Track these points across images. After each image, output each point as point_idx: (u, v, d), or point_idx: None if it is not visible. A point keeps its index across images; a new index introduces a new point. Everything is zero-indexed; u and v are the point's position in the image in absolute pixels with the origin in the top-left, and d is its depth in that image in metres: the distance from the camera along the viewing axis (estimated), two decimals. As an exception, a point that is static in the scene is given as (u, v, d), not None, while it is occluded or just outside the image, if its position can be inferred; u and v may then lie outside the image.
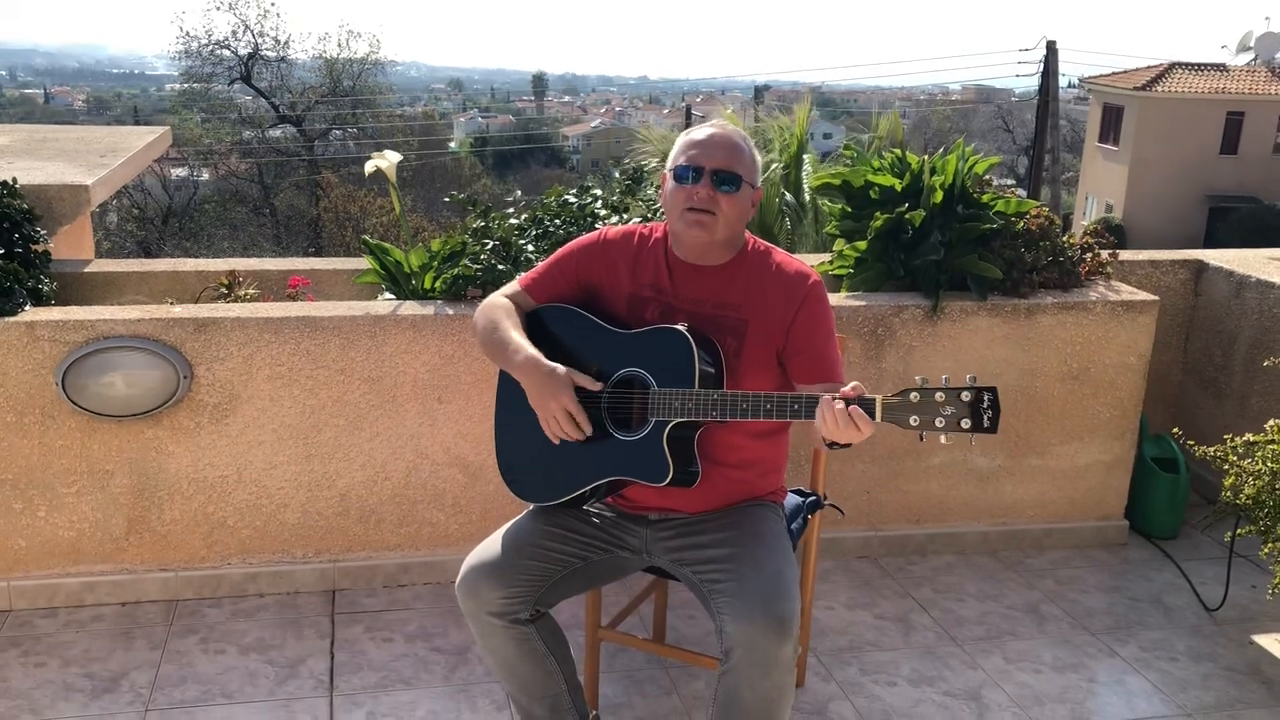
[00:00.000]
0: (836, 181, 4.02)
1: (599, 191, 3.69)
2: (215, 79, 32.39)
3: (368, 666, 3.10)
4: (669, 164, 2.46)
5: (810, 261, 4.14)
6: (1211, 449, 3.21)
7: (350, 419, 3.39)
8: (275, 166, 31.13)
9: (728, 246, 2.48)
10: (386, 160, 3.64)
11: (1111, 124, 34.88)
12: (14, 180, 3.51)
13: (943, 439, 2.12)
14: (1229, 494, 3.17)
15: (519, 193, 3.83)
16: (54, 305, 3.32)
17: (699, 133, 2.45)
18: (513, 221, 3.61)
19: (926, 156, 3.87)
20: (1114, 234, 4.16)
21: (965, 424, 2.10)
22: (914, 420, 2.12)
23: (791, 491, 2.88)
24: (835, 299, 3.70)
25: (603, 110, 77.97)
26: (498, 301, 2.58)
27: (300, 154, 31.53)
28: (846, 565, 3.77)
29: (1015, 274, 3.74)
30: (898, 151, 3.96)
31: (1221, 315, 4.27)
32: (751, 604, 2.25)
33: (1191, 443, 3.29)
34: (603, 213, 3.57)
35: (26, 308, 3.21)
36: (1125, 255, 4.34)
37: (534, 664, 2.51)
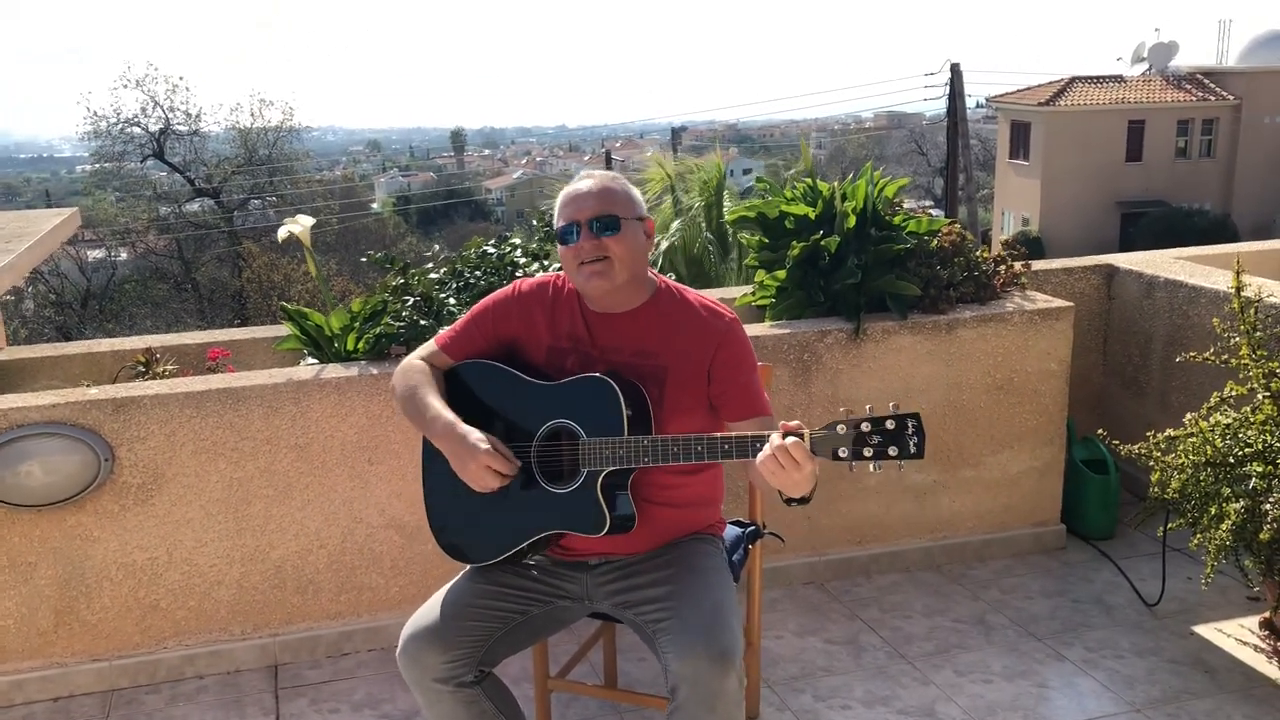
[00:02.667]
0: (752, 214, 4.07)
1: (518, 241, 3.70)
2: (127, 157, 31.98)
3: (315, 740, 3.03)
4: (555, 227, 2.49)
5: (733, 294, 4.19)
6: (1136, 447, 3.28)
7: (280, 489, 3.33)
8: (195, 240, 30.75)
9: (635, 287, 2.49)
10: (300, 225, 3.62)
11: (1020, 140, 35.87)
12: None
13: (871, 468, 2.14)
14: (1156, 490, 3.24)
15: (437, 247, 3.82)
16: (-37, 397, 3.23)
17: (569, 189, 2.50)
18: (433, 276, 3.60)
19: (837, 184, 3.94)
20: (1032, 245, 4.29)
21: (893, 451, 2.12)
22: (842, 452, 2.14)
23: (731, 523, 2.89)
24: (759, 328, 3.73)
25: (523, 161, 78.29)
26: (413, 365, 2.56)
27: (219, 226, 31.19)
28: (794, 592, 3.78)
29: (933, 291, 3.80)
30: (809, 181, 4.02)
31: (1135, 316, 4.38)
32: (693, 639, 2.24)
33: (1116, 442, 3.35)
34: (522, 260, 3.57)
35: (-65, 401, 3.12)
36: (1039, 265, 4.44)
37: (483, 725, 2.47)
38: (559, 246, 2.47)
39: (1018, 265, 4.03)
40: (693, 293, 2.59)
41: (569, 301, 2.54)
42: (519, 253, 3.62)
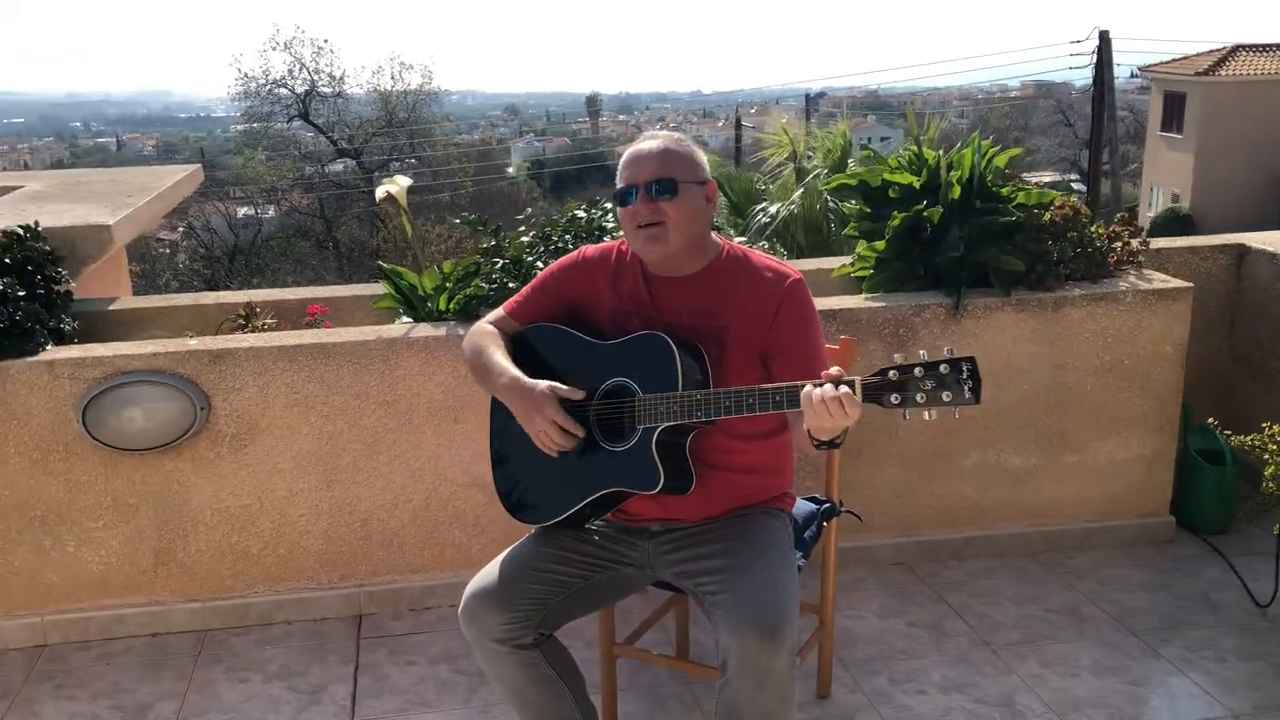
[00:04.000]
0: (853, 182, 3.95)
1: (609, 205, 3.66)
2: (274, 118, 33.07)
3: (390, 691, 3.09)
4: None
5: (831, 264, 4.09)
6: (1249, 438, 3.08)
7: (368, 443, 3.40)
8: (336, 200, 31.66)
9: (694, 252, 2.44)
10: (397, 185, 3.67)
11: (1174, 112, 34.07)
12: (36, 224, 3.58)
13: (926, 415, 2.06)
14: (1271, 484, 3.04)
15: (529, 210, 3.82)
16: (75, 344, 3.38)
17: (630, 149, 2.44)
18: (524, 240, 3.60)
19: (942, 153, 3.78)
20: (1181, 223, 4.07)
21: (946, 397, 2.04)
22: (894, 398, 2.06)
23: (805, 499, 2.82)
24: (853, 300, 3.63)
25: (657, 126, 78.07)
26: (482, 328, 2.58)
27: (360, 186, 32.06)
28: (879, 573, 3.69)
29: (1040, 267, 3.63)
30: (914, 149, 3.88)
31: (1266, 300, 4.11)
32: (744, 614, 2.20)
33: (1228, 432, 3.16)
34: (611, 225, 3.54)
35: (48, 347, 3.27)
36: (1161, 243, 4.20)
37: (542, 688, 2.47)
38: (618, 208, 2.44)
39: (1134, 242, 3.81)
40: (757, 254, 2.52)
41: (632, 265, 2.50)
42: (609, 217, 3.59)
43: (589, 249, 2.60)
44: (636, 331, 2.43)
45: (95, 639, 3.37)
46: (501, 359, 2.48)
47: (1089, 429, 3.73)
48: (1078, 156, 46.10)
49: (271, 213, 33.27)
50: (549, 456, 2.44)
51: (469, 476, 3.45)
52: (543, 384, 2.37)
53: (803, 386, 2.13)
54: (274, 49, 32.37)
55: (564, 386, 2.37)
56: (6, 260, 3.40)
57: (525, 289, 2.64)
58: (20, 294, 3.30)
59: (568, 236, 3.53)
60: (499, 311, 2.63)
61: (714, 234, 2.52)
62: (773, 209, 9.79)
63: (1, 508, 3.26)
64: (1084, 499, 3.80)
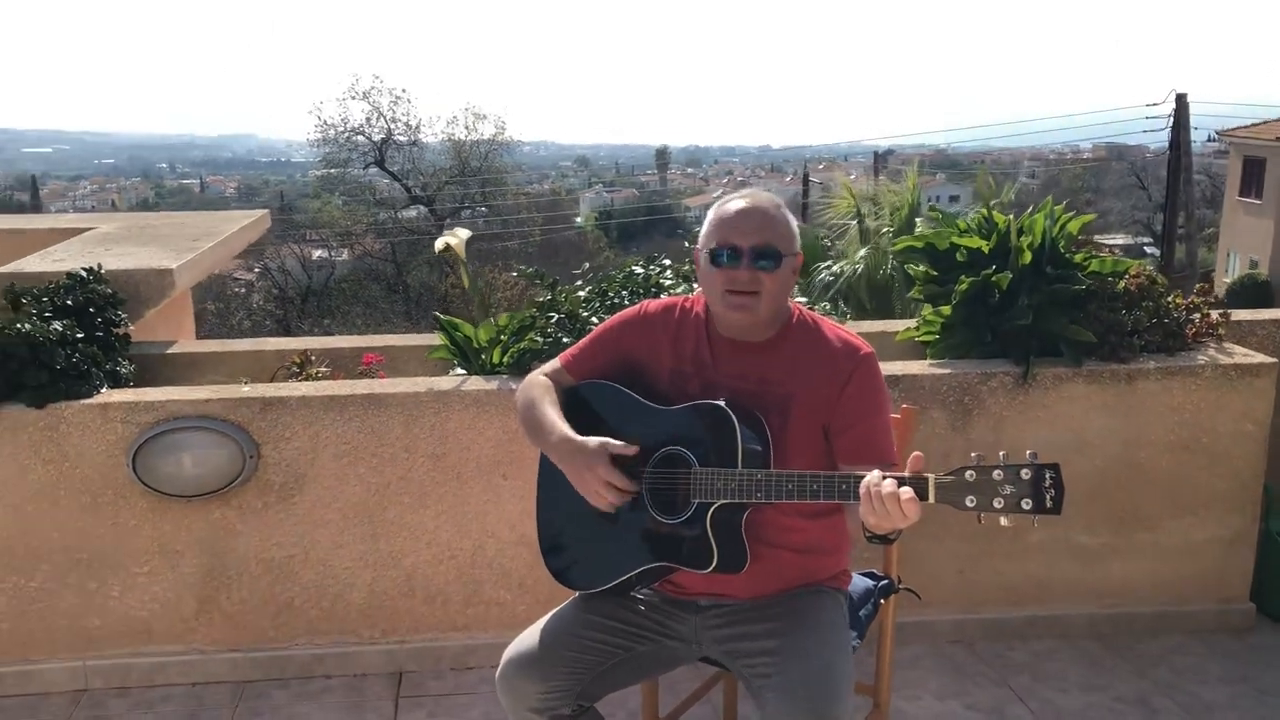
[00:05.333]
0: (920, 244, 3.84)
1: (668, 261, 3.59)
2: (351, 164, 33.81)
3: (426, 754, 2.99)
4: (702, 243, 2.35)
5: (895, 327, 3.96)
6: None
7: (415, 496, 3.33)
8: (408, 245, 32.14)
9: (772, 322, 2.34)
10: (456, 237, 3.63)
11: (1254, 177, 33.36)
12: (99, 266, 3.61)
13: (1003, 521, 1.94)
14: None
15: (587, 265, 3.76)
16: (131, 387, 3.37)
17: (731, 206, 2.32)
18: (580, 294, 3.54)
19: (1012, 217, 3.66)
20: (1259, 290, 3.88)
21: (1026, 504, 1.92)
22: (970, 501, 1.95)
23: (861, 574, 2.69)
24: (917, 366, 3.51)
25: (724, 180, 78.41)
26: (536, 380, 2.49)
27: (431, 233, 32.51)
28: (938, 650, 3.52)
29: (1113, 338, 3.48)
30: (984, 212, 3.76)
31: (1355, 377, 3.89)
32: (795, 701, 2.07)
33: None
34: (669, 282, 3.47)
35: (103, 389, 3.26)
36: (1244, 315, 4.01)
37: (580, 761, 2.37)
38: (705, 264, 2.33)
39: (1214, 315, 3.64)
40: (829, 323, 2.42)
41: (695, 325, 2.41)
42: (668, 274, 3.52)
43: (651, 304, 2.52)
44: (695, 394, 2.34)
45: (135, 686, 3.32)
46: (553, 414, 2.39)
47: (1163, 507, 3.55)
48: (1150, 220, 45.31)
49: (345, 256, 33.86)
50: (598, 522, 2.35)
51: (516, 534, 3.37)
52: (594, 440, 2.28)
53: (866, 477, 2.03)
54: (353, 98, 32.99)
55: (616, 442, 2.28)
56: (69, 302, 3.42)
57: (583, 341, 2.56)
58: (79, 336, 3.30)
59: (624, 293, 3.46)
60: (554, 363, 2.55)
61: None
62: (837, 267, 9.67)
63: (49, 549, 3.24)
64: (1157, 581, 3.60)
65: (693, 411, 2.29)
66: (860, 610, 2.60)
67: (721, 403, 2.24)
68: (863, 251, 9.49)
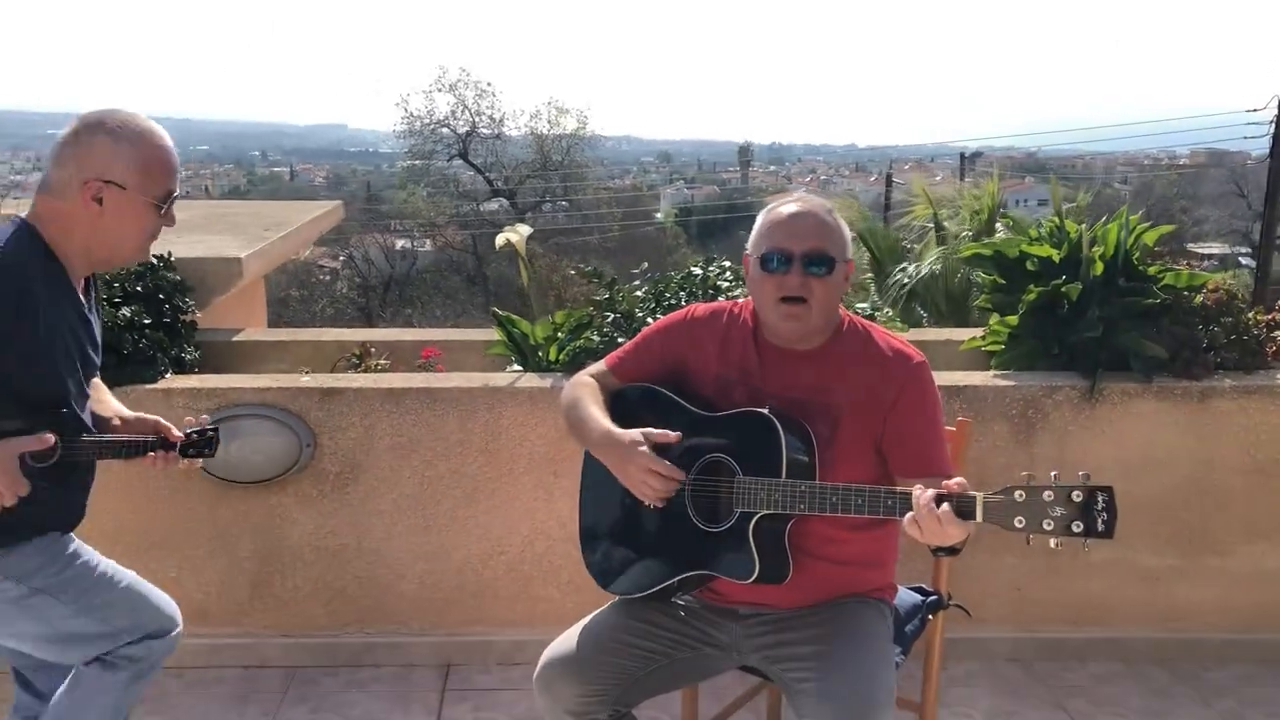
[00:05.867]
0: (988, 252, 3.76)
1: (727, 263, 3.56)
2: (436, 156, 34.18)
3: (467, 748, 3.01)
4: (752, 247, 2.32)
5: (959, 336, 3.88)
6: None
7: (467, 491, 3.35)
8: (489, 238, 32.42)
9: (822, 330, 2.31)
10: (517, 233, 3.65)
11: (1359, 186, 32.05)
12: (169, 254, 3.69)
13: (1052, 543, 1.89)
14: None
15: (645, 264, 3.75)
16: (195, 373, 3.45)
17: (782, 210, 2.29)
18: (638, 294, 3.53)
19: (1085, 226, 3.56)
20: None
21: (1077, 527, 1.87)
22: (1019, 522, 1.90)
23: (910, 588, 2.64)
24: (980, 377, 3.43)
25: (807, 179, 77.76)
26: (581, 380, 2.49)
27: (513, 226, 32.75)
28: (993, 669, 3.44)
29: (1186, 353, 3.36)
30: (1055, 220, 3.66)
31: None
32: (831, 708, 2.05)
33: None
34: (726, 285, 3.43)
35: (167, 375, 3.34)
36: (1329, 333, 3.85)
37: (617, 767, 2.36)
38: (755, 270, 2.31)
39: (1297, 332, 3.50)
40: (880, 331, 2.38)
41: (743, 331, 2.38)
42: (727, 275, 3.49)
43: (699, 307, 2.49)
44: (741, 402, 2.31)
45: (190, 666, 3.39)
46: (597, 411, 2.38)
47: (1235, 531, 3.42)
48: (1249, 229, 43.81)
49: (427, 246, 34.30)
50: (640, 527, 2.34)
51: (566, 532, 3.37)
52: (635, 432, 2.26)
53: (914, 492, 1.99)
54: (439, 90, 33.30)
55: (656, 430, 2.26)
56: (138, 289, 3.50)
57: (629, 344, 2.55)
58: (146, 322, 3.38)
59: (682, 294, 3.44)
60: (600, 365, 2.54)
61: None
62: (912, 269, 9.50)
63: (116, 530, 3.32)
64: (1226, 607, 3.47)
65: (737, 419, 2.26)
66: (906, 625, 2.55)
67: (766, 410, 2.21)
68: (936, 254, 9.30)
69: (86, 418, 2.26)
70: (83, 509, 2.35)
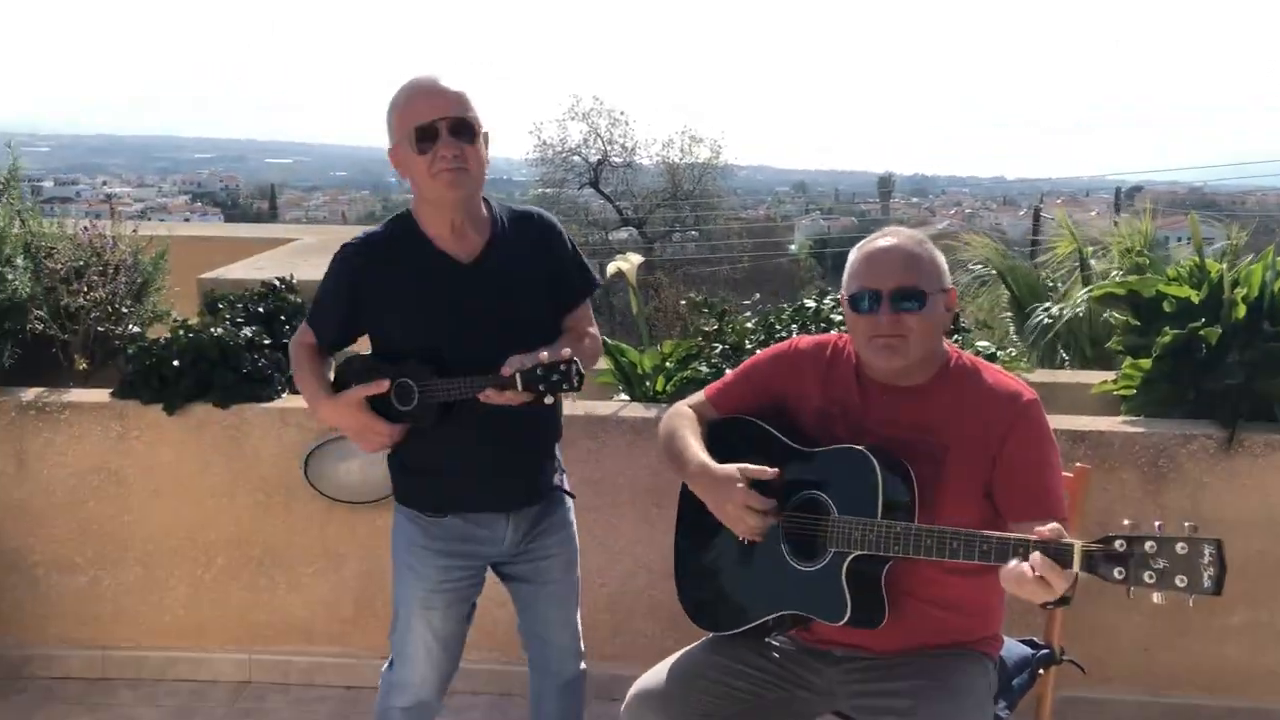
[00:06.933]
0: (1122, 291, 3.68)
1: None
2: (567, 184, 34.76)
3: (559, 781, 3.05)
4: (844, 287, 2.34)
5: (1091, 379, 3.80)
6: None
7: (569, 521, 3.41)
8: (617, 268, 32.75)
9: (925, 364, 2.30)
10: (629, 262, 3.73)
11: None
12: (291, 276, 3.88)
13: (1155, 598, 1.84)
14: None
15: (757, 296, 3.77)
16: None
17: (870, 247, 2.32)
18: (748, 325, 3.56)
19: (1226, 267, 3.45)
20: None
21: (1181, 582, 1.82)
22: (1118, 573, 1.87)
23: (1019, 641, 2.59)
24: (1108, 422, 3.34)
25: (951, 212, 76.47)
26: (680, 410, 2.53)
27: (641, 255, 33.04)
28: (1116, 733, 3.33)
29: (1339, 404, 3.22)
30: (1194, 260, 3.56)
31: None
32: None
33: None
34: (840, 318, 3.43)
35: (284, 395, 3.51)
36: None
37: (700, 804, 2.37)
38: (847, 310, 2.33)
39: None
40: (991, 368, 2.36)
41: (846, 365, 2.39)
42: (840, 309, 3.48)
43: (802, 340, 2.52)
44: (841, 438, 2.32)
45: (294, 683, 3.54)
46: (694, 443, 2.42)
47: (1391, 599, 3.24)
48: None
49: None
50: (734, 563, 2.37)
51: (668, 566, 3.34)
52: (731, 467, 2.29)
53: (1015, 540, 1.97)
54: (572, 119, 33.97)
55: (753, 466, 2.29)
56: (260, 309, 3.69)
57: (730, 374, 2.58)
58: (266, 342, 3.56)
59: (794, 326, 3.45)
60: (699, 395, 2.58)
61: (945, 343, 2.37)
62: (1055, 309, 9.27)
63: (225, 542, 3.50)
64: (1380, 681, 3.29)
65: (835, 455, 2.27)
66: (1014, 679, 2.50)
67: (863, 448, 2.21)
68: (1082, 293, 9.05)
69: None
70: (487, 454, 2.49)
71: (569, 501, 2.74)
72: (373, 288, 2.47)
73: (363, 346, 2.61)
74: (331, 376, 2.57)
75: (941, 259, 2.34)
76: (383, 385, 2.43)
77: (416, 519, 2.60)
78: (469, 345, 2.38)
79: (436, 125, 2.32)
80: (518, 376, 2.26)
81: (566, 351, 2.27)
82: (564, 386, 2.27)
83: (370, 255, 2.50)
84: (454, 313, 2.42)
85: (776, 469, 2.29)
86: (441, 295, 2.42)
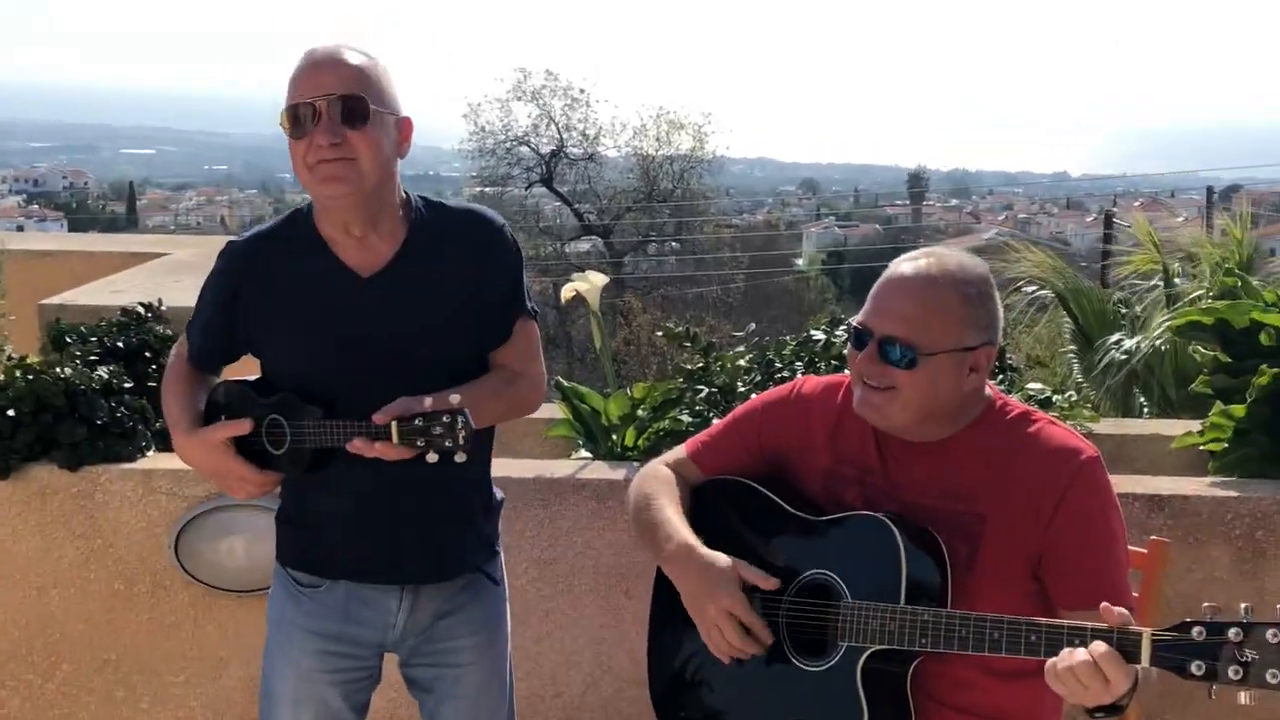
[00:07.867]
0: (1209, 320, 3.78)
1: (858, 326, 3.63)
2: (512, 181, 34.48)
3: None
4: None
5: (1171, 430, 3.88)
6: None
7: (515, 613, 3.42)
8: (573, 287, 32.72)
9: (941, 419, 2.34)
10: (588, 282, 3.78)
11: None
12: (159, 301, 3.92)
13: (1242, 698, 1.90)
14: None
15: (752, 325, 3.84)
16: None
17: (891, 269, 2.35)
18: (741, 363, 3.62)
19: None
20: None
21: (1274, 677, 1.87)
22: (1197, 668, 1.92)
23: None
24: (1194, 484, 3.43)
25: (1001, 217, 77.37)
26: (655, 471, 2.57)
27: (606, 271, 32.99)
28: None
29: None
30: (1297, 280, 3.66)
31: None
32: None
33: None
34: (853, 353, 3.51)
35: (149, 452, 3.54)
36: None
37: None
38: (852, 348, 2.39)
39: None
40: (1043, 418, 2.39)
41: (862, 417, 2.44)
42: (856, 342, 3.56)
43: (808, 382, 2.56)
44: (853, 505, 2.37)
45: (161, 822, 3.54)
46: (673, 515, 2.46)
47: None
48: None
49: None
50: (723, 663, 2.40)
51: (639, 670, 3.40)
52: (725, 558, 2.33)
53: (1069, 629, 2.03)
54: (518, 98, 33.62)
55: (754, 569, 2.33)
56: (119, 344, 3.73)
57: (717, 425, 2.63)
58: (127, 385, 3.59)
59: (797, 363, 3.52)
60: (679, 451, 2.62)
61: (987, 386, 2.41)
62: (1130, 343, 9.38)
63: (73, 645, 3.51)
64: None
65: (846, 524, 2.32)
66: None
67: (882, 515, 2.26)
68: (1163, 319, 9.17)
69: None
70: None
71: (500, 590, 2.74)
72: (251, 296, 2.50)
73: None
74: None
75: (987, 304, 2.31)
76: (244, 426, 2.44)
77: (290, 587, 2.62)
78: (359, 379, 2.40)
79: (315, 105, 2.33)
80: (393, 426, 2.24)
81: (455, 399, 2.22)
82: (445, 444, 2.23)
83: (253, 257, 2.52)
84: (342, 337, 2.44)
85: (778, 581, 2.32)
86: (330, 314, 2.45)
